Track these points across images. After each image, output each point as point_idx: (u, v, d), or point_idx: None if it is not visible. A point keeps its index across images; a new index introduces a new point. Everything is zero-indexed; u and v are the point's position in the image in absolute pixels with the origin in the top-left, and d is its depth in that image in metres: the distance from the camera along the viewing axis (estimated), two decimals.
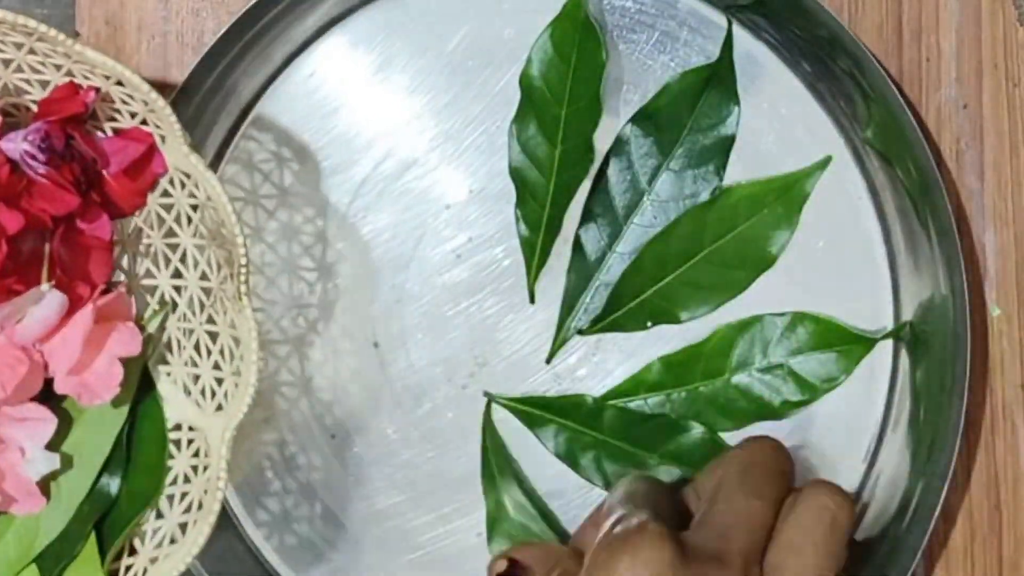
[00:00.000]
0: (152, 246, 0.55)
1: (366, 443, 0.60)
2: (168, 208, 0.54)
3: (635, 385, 0.60)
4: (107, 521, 0.55)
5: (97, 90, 0.52)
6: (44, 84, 0.53)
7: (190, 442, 0.54)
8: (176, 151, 0.52)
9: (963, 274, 0.57)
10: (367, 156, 0.60)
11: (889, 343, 0.60)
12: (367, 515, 0.60)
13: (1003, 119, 0.61)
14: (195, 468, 0.53)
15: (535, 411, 0.60)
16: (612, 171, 0.60)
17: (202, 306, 0.54)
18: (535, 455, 0.60)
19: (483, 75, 0.60)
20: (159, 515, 0.54)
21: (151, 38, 0.61)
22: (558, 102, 0.59)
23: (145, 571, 0.53)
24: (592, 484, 0.60)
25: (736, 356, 0.60)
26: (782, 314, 0.60)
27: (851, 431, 0.60)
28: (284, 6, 0.58)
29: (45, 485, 0.54)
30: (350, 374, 0.60)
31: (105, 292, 0.54)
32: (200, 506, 0.52)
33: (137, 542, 0.54)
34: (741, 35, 0.60)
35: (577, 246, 0.60)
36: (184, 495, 0.53)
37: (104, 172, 0.53)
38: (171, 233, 0.54)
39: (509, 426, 0.60)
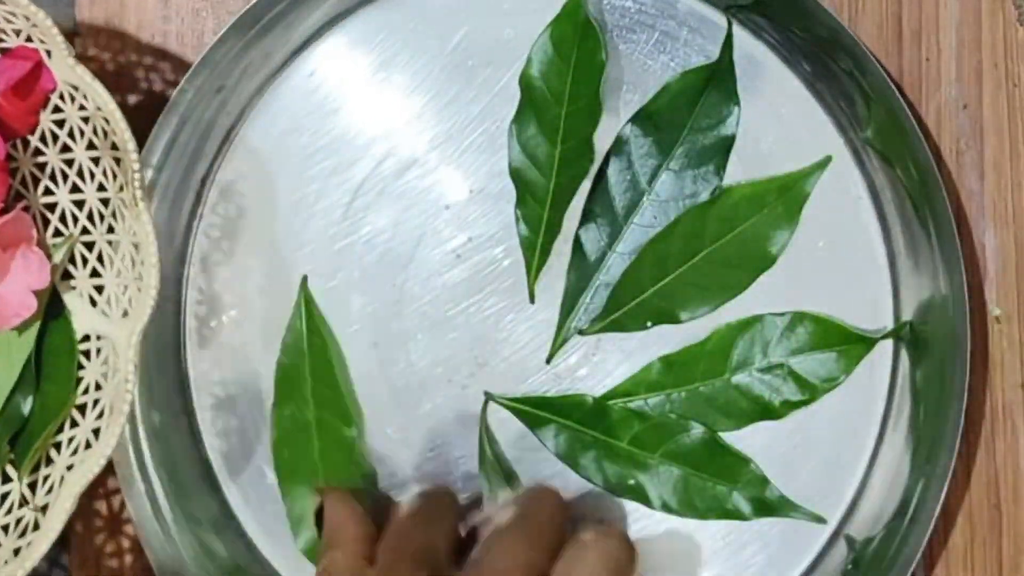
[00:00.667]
0: (49, 164, 0.55)
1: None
2: (60, 124, 0.54)
3: (635, 385, 0.60)
4: (22, 435, 0.55)
5: None
6: None
7: (99, 351, 0.54)
8: (62, 65, 0.52)
9: (963, 274, 0.57)
10: (367, 156, 0.60)
11: (889, 343, 0.60)
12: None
13: (1003, 119, 0.61)
14: (105, 375, 0.54)
15: (535, 411, 0.60)
16: (612, 171, 0.60)
17: (101, 217, 0.54)
18: (536, 455, 0.60)
19: (483, 75, 0.60)
20: (73, 424, 0.54)
21: (151, 38, 0.61)
22: (558, 102, 0.59)
23: (62, 479, 0.53)
24: (592, 484, 0.60)
25: (736, 356, 0.60)
26: (782, 314, 0.60)
27: (851, 431, 0.60)
28: (284, 6, 0.58)
29: None
30: (351, 375, 0.60)
31: (3, 212, 0.54)
32: (112, 410, 0.52)
33: (53, 452, 0.55)
34: (741, 35, 0.60)
35: (577, 246, 0.60)
36: (96, 402, 0.54)
37: None
38: (66, 148, 0.54)
39: (509, 426, 0.60)
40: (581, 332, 0.60)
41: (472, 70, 0.60)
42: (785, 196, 0.59)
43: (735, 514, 0.59)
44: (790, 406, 0.59)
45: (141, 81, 0.61)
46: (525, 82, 0.60)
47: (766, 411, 0.59)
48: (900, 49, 0.61)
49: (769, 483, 0.59)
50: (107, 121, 0.51)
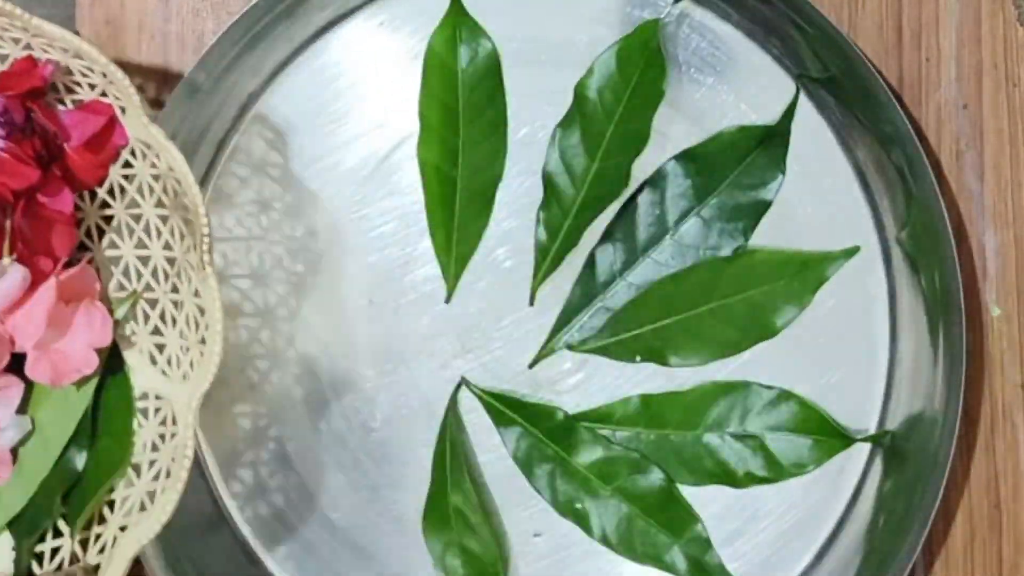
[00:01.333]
0: (115, 217, 0.55)
1: (339, 393, 0.60)
2: (130, 179, 0.54)
3: (609, 413, 0.60)
4: (76, 490, 0.55)
5: (55, 63, 0.52)
6: (3, 58, 0.53)
7: (157, 410, 0.54)
8: (136, 122, 0.52)
9: (959, 401, 0.57)
10: (370, 154, 0.60)
11: (866, 445, 0.60)
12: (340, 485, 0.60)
13: (1003, 119, 0.61)
14: (162, 436, 0.53)
15: (505, 409, 0.60)
16: (643, 201, 0.60)
17: (166, 276, 0.54)
18: (493, 454, 0.60)
19: (540, 74, 0.60)
20: (128, 484, 0.54)
21: (151, 38, 0.61)
22: (608, 119, 0.59)
23: (115, 539, 0.53)
24: (540, 496, 0.60)
25: (713, 415, 0.59)
26: (769, 387, 0.59)
27: (806, 521, 0.60)
28: (284, 7, 0.58)
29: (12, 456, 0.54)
30: (340, 325, 0.60)
31: (68, 266, 0.54)
32: (168, 474, 0.52)
33: (107, 510, 0.54)
34: (805, 106, 0.60)
35: (589, 263, 0.60)
36: (152, 463, 0.53)
37: (65, 145, 0.53)
38: (134, 204, 0.54)
39: (475, 417, 0.60)
40: (571, 347, 0.60)
41: (530, 67, 0.60)
42: (804, 273, 0.59)
43: (669, 568, 0.59)
44: (752, 479, 0.59)
45: (141, 78, 0.61)
46: (580, 91, 0.60)
47: (728, 477, 0.59)
48: (900, 49, 0.61)
49: (712, 548, 0.59)
50: (178, 183, 0.51)
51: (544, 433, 0.60)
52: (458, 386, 0.60)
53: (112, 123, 0.53)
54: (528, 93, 0.60)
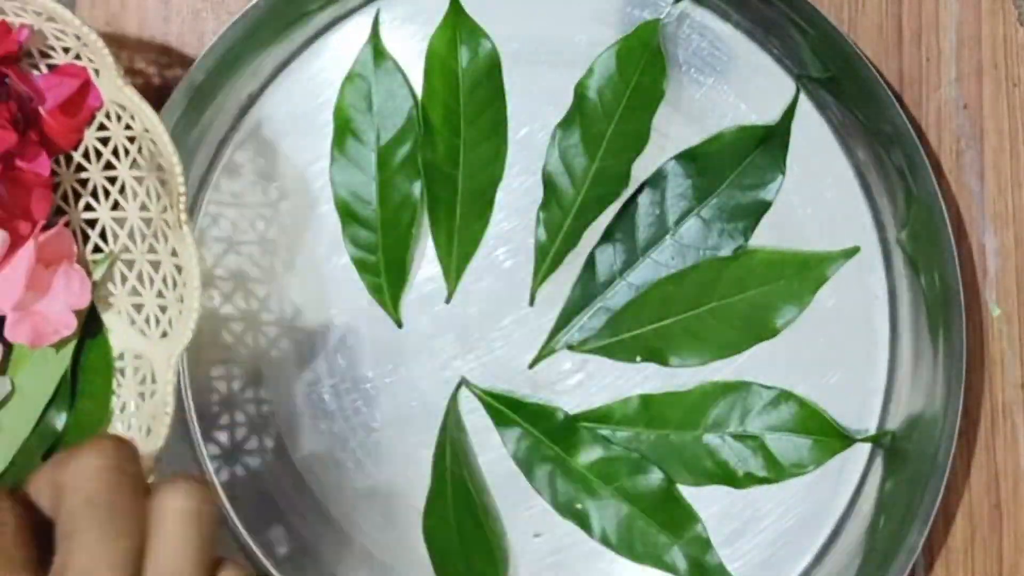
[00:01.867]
0: (91, 180, 0.55)
1: (338, 393, 0.60)
2: (105, 142, 0.54)
3: (609, 414, 0.60)
4: (56, 451, 0.55)
5: (29, 27, 0.52)
6: None
7: (136, 369, 0.54)
8: (110, 84, 0.52)
9: (960, 401, 0.57)
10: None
11: (867, 446, 0.60)
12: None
13: (1003, 119, 0.61)
14: (142, 395, 0.54)
15: (505, 409, 0.60)
16: (643, 201, 0.60)
17: (143, 236, 0.54)
18: (493, 452, 0.60)
19: (540, 74, 0.60)
20: None
21: (151, 38, 0.61)
22: (608, 119, 0.59)
23: None
24: (540, 496, 0.60)
25: (714, 415, 0.59)
26: (769, 387, 0.59)
27: (806, 522, 0.60)
28: (284, 7, 0.58)
29: None
30: (340, 325, 0.60)
31: (46, 228, 0.54)
32: (149, 431, 0.52)
33: None
34: (805, 106, 0.60)
35: (589, 263, 0.60)
36: (133, 421, 0.54)
37: (41, 109, 0.53)
38: (109, 166, 0.54)
39: (475, 418, 0.60)
40: (571, 347, 0.60)
41: (531, 67, 0.60)
42: (804, 274, 0.59)
43: (669, 568, 0.59)
44: (752, 480, 0.59)
45: (141, 78, 0.61)
46: (580, 91, 0.59)
47: (728, 477, 0.59)
48: (900, 49, 0.61)
49: (712, 548, 0.59)
50: (154, 143, 0.51)
51: (544, 433, 0.60)
52: (458, 386, 0.60)
53: (86, 86, 0.53)
54: (528, 93, 0.60)
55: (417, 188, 0.60)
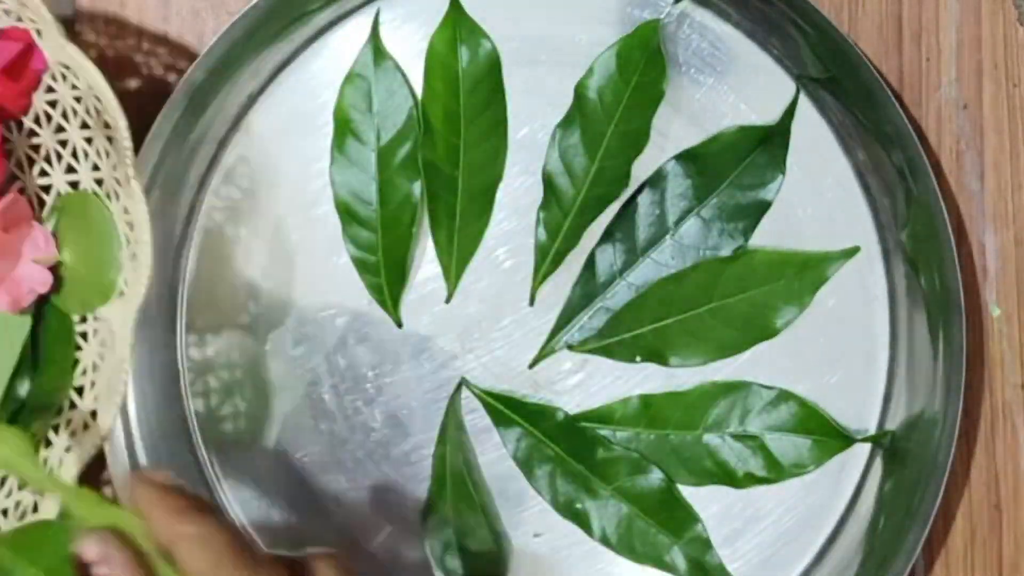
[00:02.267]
0: (43, 146, 0.55)
1: (339, 393, 0.60)
2: (54, 105, 0.54)
3: (609, 413, 0.60)
4: (20, 418, 0.55)
5: None
6: None
7: (96, 332, 0.54)
8: (53, 44, 0.52)
9: (960, 400, 0.57)
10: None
11: (866, 446, 0.60)
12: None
13: (1003, 119, 0.61)
14: (102, 356, 0.54)
15: (505, 409, 0.60)
16: (643, 201, 0.60)
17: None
18: (493, 452, 0.60)
19: (540, 74, 0.60)
20: (72, 406, 0.54)
21: (151, 38, 0.61)
22: (608, 119, 0.59)
23: (61, 461, 0.53)
24: (540, 497, 0.60)
25: (713, 415, 0.59)
26: (769, 387, 0.59)
27: (806, 521, 0.60)
28: (284, 7, 0.58)
29: None
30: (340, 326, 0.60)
31: (0, 196, 0.54)
32: (108, 391, 0.52)
33: (52, 435, 0.55)
34: (806, 106, 0.60)
35: (589, 263, 0.60)
36: (94, 384, 0.54)
37: None
38: (60, 129, 0.54)
39: (475, 418, 0.60)
40: (571, 347, 0.60)
41: (531, 67, 0.60)
42: (804, 274, 0.59)
43: (669, 568, 0.59)
44: (752, 480, 0.59)
45: (141, 78, 0.61)
46: (580, 91, 0.59)
47: (728, 477, 0.59)
48: (900, 49, 0.61)
49: (712, 548, 0.59)
50: (99, 100, 0.51)
51: (544, 433, 0.60)
52: (458, 386, 0.60)
53: (29, 48, 0.53)
54: (528, 93, 0.60)
55: (417, 188, 0.60)
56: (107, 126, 0.51)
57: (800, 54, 0.59)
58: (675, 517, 0.59)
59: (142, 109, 0.58)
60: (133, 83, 0.61)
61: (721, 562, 0.59)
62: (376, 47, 0.60)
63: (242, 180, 0.60)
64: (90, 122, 0.53)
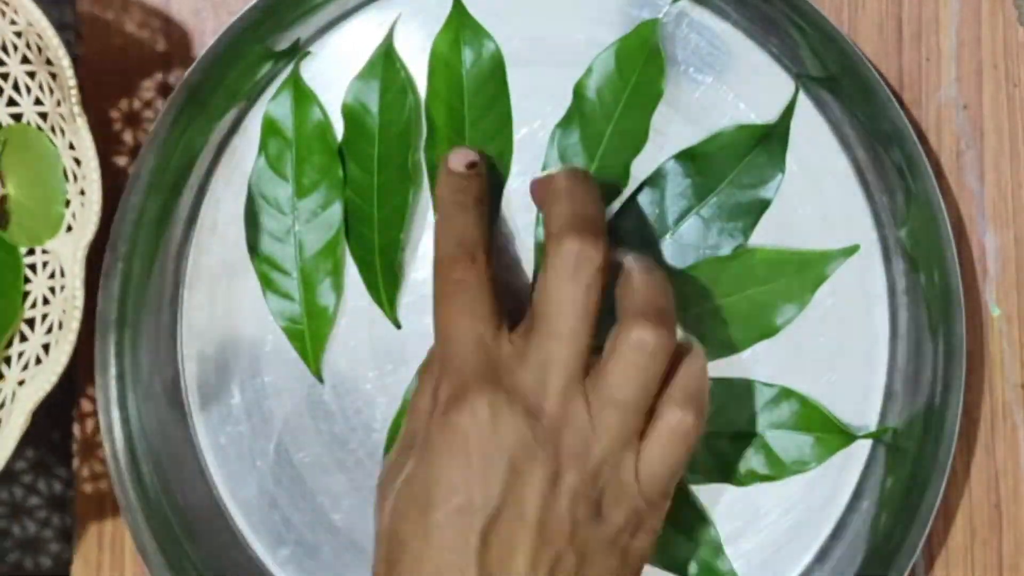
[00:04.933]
0: None
1: (339, 394, 0.60)
2: None
3: None
4: None
5: None
6: None
7: (45, 264, 0.55)
8: None
9: (960, 400, 0.57)
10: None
11: (868, 442, 0.60)
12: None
13: (1003, 119, 0.61)
14: (52, 289, 0.54)
15: None
16: (642, 200, 0.60)
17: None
18: None
19: (540, 74, 0.60)
20: (23, 339, 0.55)
21: (151, 38, 0.61)
22: (607, 119, 0.59)
23: (14, 394, 0.53)
24: None
25: (714, 413, 0.59)
26: (771, 385, 0.59)
27: (807, 518, 0.60)
28: (284, 7, 0.58)
29: None
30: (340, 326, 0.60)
31: None
32: (60, 326, 0.53)
33: (4, 367, 0.55)
34: (805, 104, 0.60)
35: None
36: (45, 316, 0.54)
37: None
38: (0, 63, 0.55)
39: None
40: None
41: (530, 67, 0.60)
42: (804, 272, 0.59)
43: (679, 570, 0.59)
44: (754, 477, 0.59)
45: (141, 78, 0.61)
46: (579, 91, 0.59)
47: (729, 475, 0.59)
48: (900, 49, 0.61)
49: (723, 553, 0.59)
50: (40, 37, 0.51)
51: None
52: None
53: None
54: (528, 93, 0.60)
55: (414, 190, 0.60)
56: (49, 63, 0.52)
57: (799, 53, 0.59)
58: (689, 519, 0.59)
59: (142, 109, 0.58)
60: (133, 83, 0.61)
61: (732, 568, 0.59)
62: (385, 49, 0.60)
63: (242, 180, 0.60)
64: (31, 57, 0.53)
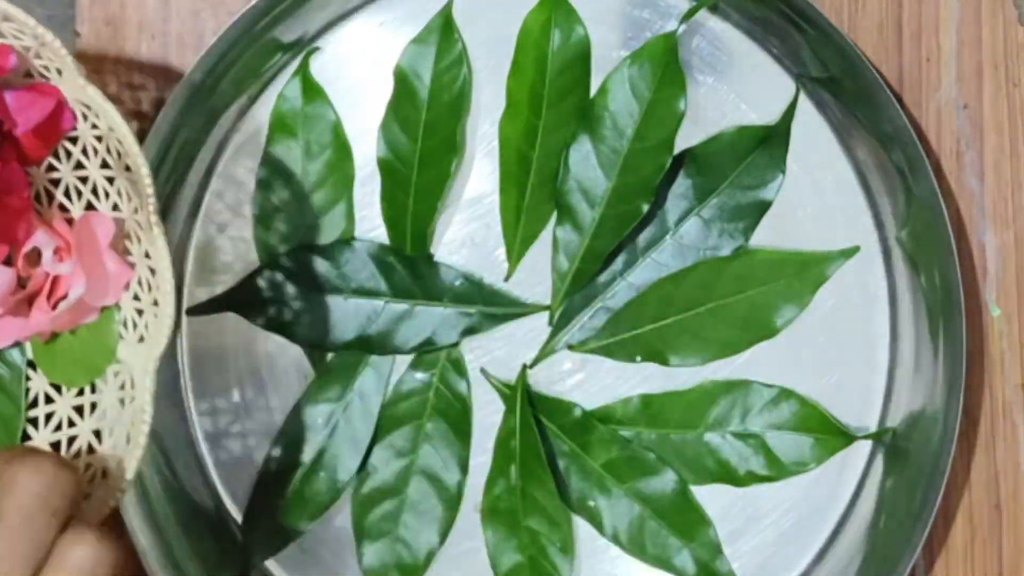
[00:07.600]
0: (62, 180, 0.55)
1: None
2: (74, 140, 0.54)
3: (609, 413, 0.60)
4: None
5: (12, 50, 0.51)
6: None
7: (116, 374, 0.54)
8: (73, 84, 0.51)
9: (960, 400, 0.57)
10: (370, 154, 0.60)
11: (867, 443, 0.60)
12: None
13: (1003, 119, 0.61)
14: (122, 400, 0.53)
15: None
16: None
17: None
18: None
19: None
20: (91, 451, 0.53)
21: (151, 38, 0.61)
22: (620, 136, 0.59)
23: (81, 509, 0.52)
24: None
25: (714, 414, 0.59)
26: (770, 386, 0.59)
27: (806, 520, 0.60)
28: (284, 7, 0.58)
29: None
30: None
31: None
32: (128, 440, 0.51)
33: None
34: (805, 105, 0.60)
35: None
36: (112, 429, 0.53)
37: (13, 132, 0.52)
38: (80, 166, 0.54)
39: (483, 416, 0.60)
40: (571, 347, 0.60)
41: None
42: (804, 273, 0.59)
43: (677, 571, 0.59)
44: (754, 478, 0.59)
45: (141, 78, 0.61)
46: (593, 108, 0.59)
47: (729, 476, 0.59)
48: (900, 49, 0.61)
49: (722, 554, 0.59)
50: (120, 143, 0.51)
51: (560, 428, 0.59)
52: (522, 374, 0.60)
53: (60, 107, 0.52)
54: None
55: (457, 160, 0.59)
56: (128, 169, 0.51)
57: (800, 54, 0.59)
58: (687, 520, 0.59)
59: (141, 109, 0.58)
60: (133, 83, 0.61)
61: (731, 569, 0.59)
62: (447, 17, 0.59)
63: (243, 180, 0.60)
64: (111, 162, 0.52)
